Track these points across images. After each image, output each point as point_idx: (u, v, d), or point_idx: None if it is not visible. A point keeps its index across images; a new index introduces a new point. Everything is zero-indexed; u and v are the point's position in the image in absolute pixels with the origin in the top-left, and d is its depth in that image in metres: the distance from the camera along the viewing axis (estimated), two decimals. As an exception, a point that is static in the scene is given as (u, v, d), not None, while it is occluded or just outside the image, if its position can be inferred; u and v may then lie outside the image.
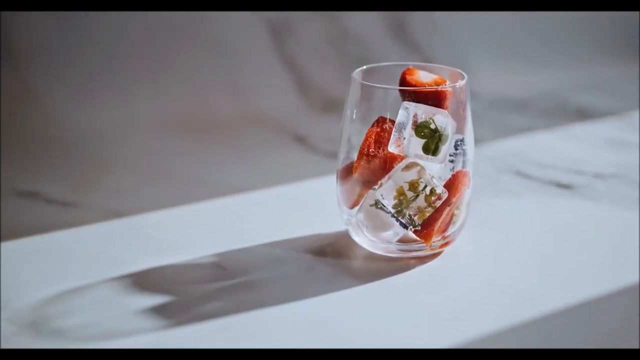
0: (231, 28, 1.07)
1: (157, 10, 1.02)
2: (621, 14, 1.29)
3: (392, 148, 0.68)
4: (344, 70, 1.07)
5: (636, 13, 1.29)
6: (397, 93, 0.69)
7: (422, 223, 0.68)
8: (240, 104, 1.04)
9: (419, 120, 0.67)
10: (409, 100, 0.68)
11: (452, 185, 0.69)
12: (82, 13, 0.99)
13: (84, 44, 1.00)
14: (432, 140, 0.67)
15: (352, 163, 0.70)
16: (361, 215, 0.70)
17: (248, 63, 1.07)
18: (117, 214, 0.78)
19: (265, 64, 1.07)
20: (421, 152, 0.67)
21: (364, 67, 0.71)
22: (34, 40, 0.99)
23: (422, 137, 0.67)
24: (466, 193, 0.70)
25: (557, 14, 1.27)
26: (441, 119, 0.67)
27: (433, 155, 0.67)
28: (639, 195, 0.83)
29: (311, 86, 1.08)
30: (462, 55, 1.17)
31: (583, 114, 1.08)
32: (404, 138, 0.67)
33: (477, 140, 0.73)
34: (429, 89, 0.67)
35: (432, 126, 0.67)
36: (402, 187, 0.67)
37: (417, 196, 0.67)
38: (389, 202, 0.68)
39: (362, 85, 0.69)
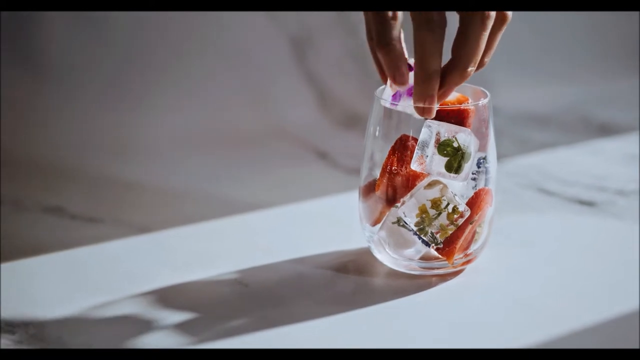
0: (253, 43, 1.07)
1: (179, 25, 1.03)
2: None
3: (414, 166, 0.68)
4: (366, 86, 1.07)
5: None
6: (420, 111, 0.69)
7: (444, 241, 0.68)
8: (262, 120, 1.04)
9: (442, 139, 0.67)
10: (432, 119, 0.68)
11: (474, 203, 0.69)
12: (102, 24, 1.00)
13: (106, 60, 1.01)
14: (454, 158, 0.67)
15: (374, 180, 0.70)
16: (383, 233, 0.70)
17: (270, 78, 1.07)
18: (141, 230, 0.79)
19: (287, 80, 1.08)
20: (444, 170, 0.67)
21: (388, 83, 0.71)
22: (56, 57, 1.00)
23: (444, 155, 0.67)
24: (488, 211, 0.70)
25: (579, 28, 1.27)
26: (464, 137, 0.67)
27: (456, 173, 0.67)
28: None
29: (333, 101, 1.08)
30: (482, 70, 1.17)
31: (606, 129, 1.08)
32: (427, 156, 0.67)
33: (499, 156, 0.73)
34: (451, 107, 0.68)
35: (455, 144, 0.67)
36: (424, 205, 0.67)
37: (439, 214, 0.67)
38: (411, 220, 0.68)
39: (385, 103, 0.69)
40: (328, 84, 1.09)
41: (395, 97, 0.68)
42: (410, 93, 0.67)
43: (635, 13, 1.28)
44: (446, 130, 0.67)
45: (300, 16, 1.09)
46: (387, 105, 0.68)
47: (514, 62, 1.21)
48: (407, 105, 0.67)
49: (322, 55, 1.10)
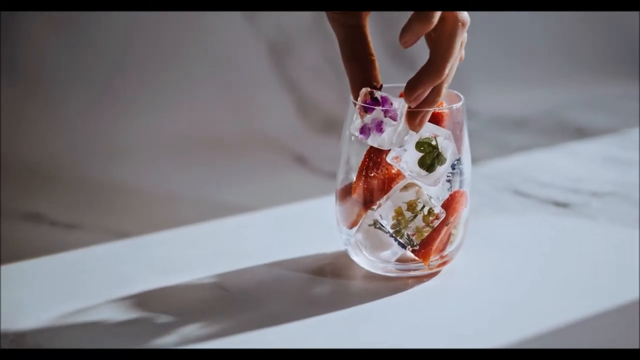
0: (231, 49, 1.08)
1: (157, 32, 1.04)
2: (619, 32, 1.30)
3: (389, 158, 0.68)
4: (343, 91, 1.08)
5: (635, 31, 1.30)
6: (395, 115, 0.69)
7: (420, 243, 0.69)
8: (241, 125, 1.05)
9: (423, 137, 0.68)
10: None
11: (449, 205, 0.70)
12: (89, 30, 1.00)
13: (87, 65, 1.01)
14: (429, 155, 0.68)
15: (351, 184, 0.71)
16: (360, 235, 0.70)
17: (248, 84, 1.08)
18: (120, 235, 0.79)
19: (265, 85, 1.08)
20: (416, 167, 0.68)
21: (363, 88, 0.72)
22: (36, 61, 1.00)
23: (420, 151, 0.68)
24: (464, 212, 0.71)
25: (555, 32, 1.28)
26: (443, 140, 0.68)
27: (427, 171, 0.68)
28: (638, 212, 0.84)
29: (311, 106, 1.09)
30: (460, 73, 1.18)
31: (581, 132, 1.09)
32: (404, 150, 0.68)
33: (476, 159, 0.74)
34: (426, 110, 0.68)
35: (433, 143, 0.68)
36: (400, 207, 0.68)
37: (415, 216, 0.68)
38: (388, 222, 0.68)
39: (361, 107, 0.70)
40: (306, 89, 1.10)
41: (364, 130, 0.68)
42: (379, 129, 0.67)
43: (611, 18, 1.30)
44: (427, 130, 0.68)
45: (278, 22, 1.10)
46: (357, 135, 0.68)
47: (490, 65, 1.22)
48: (376, 141, 0.67)
49: (301, 61, 1.10)
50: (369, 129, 0.67)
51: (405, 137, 0.67)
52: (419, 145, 0.67)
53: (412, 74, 0.66)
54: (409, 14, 0.65)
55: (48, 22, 0.99)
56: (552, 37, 1.28)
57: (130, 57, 1.03)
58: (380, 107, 0.67)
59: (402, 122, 0.67)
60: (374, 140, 0.67)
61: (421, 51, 1.13)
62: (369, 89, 0.68)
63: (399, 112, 0.67)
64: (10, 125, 0.96)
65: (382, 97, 0.67)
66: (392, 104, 0.67)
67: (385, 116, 0.67)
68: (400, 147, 0.68)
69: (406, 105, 0.66)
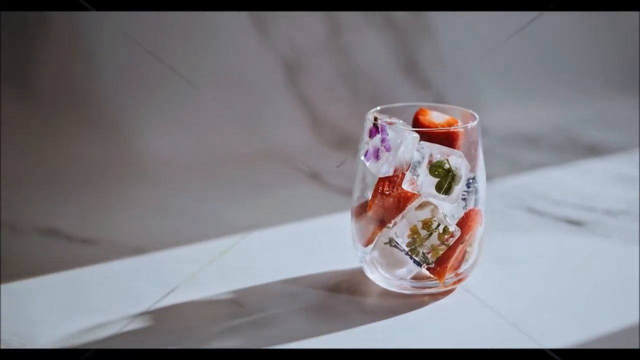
0: (245, 65, 1.09)
1: (171, 47, 1.04)
2: (633, 48, 1.30)
3: (405, 186, 0.69)
4: (357, 107, 1.08)
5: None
6: (411, 133, 0.70)
7: (435, 261, 0.69)
8: (255, 141, 1.05)
9: (434, 160, 0.68)
10: (422, 141, 0.69)
11: (464, 223, 0.70)
12: (98, 46, 1.01)
13: (101, 78, 1.02)
14: (445, 179, 0.68)
15: (366, 201, 0.71)
16: (376, 253, 0.71)
17: (262, 101, 1.08)
18: (136, 251, 0.80)
19: (279, 101, 1.09)
20: (434, 191, 0.68)
21: (378, 107, 0.73)
22: (50, 76, 1.00)
23: (435, 176, 0.68)
24: (478, 230, 0.72)
25: (568, 49, 1.28)
26: (455, 159, 0.68)
27: (445, 194, 0.68)
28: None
29: (324, 123, 1.09)
30: (473, 91, 1.19)
31: (594, 150, 1.09)
32: (418, 176, 0.68)
33: (489, 177, 0.74)
34: (441, 129, 0.69)
35: (446, 166, 0.68)
36: (415, 225, 0.68)
37: (430, 234, 0.69)
38: (403, 240, 0.69)
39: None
40: (320, 105, 1.10)
41: (367, 153, 0.70)
42: (376, 155, 0.69)
43: (624, 35, 1.30)
44: (438, 151, 0.68)
45: (292, 38, 1.10)
46: (362, 158, 0.70)
47: (503, 83, 1.22)
48: (372, 166, 0.69)
49: (314, 77, 1.11)
50: (370, 154, 0.68)
51: (397, 166, 0.68)
52: (433, 170, 0.68)
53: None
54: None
55: (61, 38, 1.00)
56: (564, 54, 1.28)
57: (147, 76, 1.04)
58: (380, 135, 0.68)
59: (396, 154, 0.68)
60: (371, 165, 0.69)
61: (435, 68, 1.13)
62: (375, 115, 0.69)
63: (392, 144, 0.68)
64: (26, 142, 0.97)
65: (381, 126, 0.68)
66: (388, 133, 0.68)
67: (382, 145, 0.68)
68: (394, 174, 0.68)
69: (413, 137, 0.67)
